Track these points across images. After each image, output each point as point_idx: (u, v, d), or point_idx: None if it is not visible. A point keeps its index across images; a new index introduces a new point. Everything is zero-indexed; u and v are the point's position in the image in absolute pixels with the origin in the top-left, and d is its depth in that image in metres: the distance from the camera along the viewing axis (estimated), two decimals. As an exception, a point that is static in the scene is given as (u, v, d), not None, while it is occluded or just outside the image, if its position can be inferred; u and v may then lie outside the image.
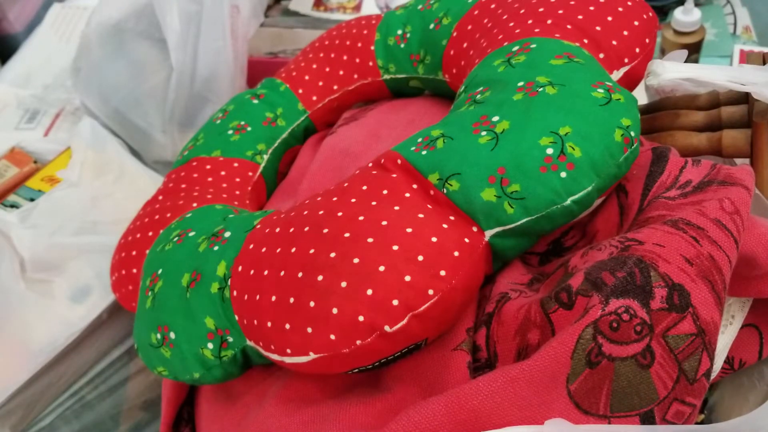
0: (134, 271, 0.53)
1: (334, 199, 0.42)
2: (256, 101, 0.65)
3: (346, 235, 0.39)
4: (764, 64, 0.51)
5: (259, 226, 0.45)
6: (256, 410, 0.44)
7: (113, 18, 0.76)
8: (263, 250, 0.42)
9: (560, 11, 0.49)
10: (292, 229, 0.42)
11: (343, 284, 0.37)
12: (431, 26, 0.59)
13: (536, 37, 0.47)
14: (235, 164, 0.60)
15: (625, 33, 0.48)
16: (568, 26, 0.48)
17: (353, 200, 0.42)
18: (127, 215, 0.64)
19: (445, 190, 0.41)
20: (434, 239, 0.39)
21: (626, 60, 0.48)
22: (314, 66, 0.66)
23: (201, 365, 0.44)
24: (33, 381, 0.61)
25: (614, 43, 0.48)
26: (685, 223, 0.37)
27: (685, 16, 0.78)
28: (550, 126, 0.40)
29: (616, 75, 0.48)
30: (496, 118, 0.42)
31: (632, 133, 0.41)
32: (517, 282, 0.43)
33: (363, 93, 0.66)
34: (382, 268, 0.37)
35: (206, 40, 0.75)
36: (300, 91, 0.66)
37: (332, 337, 0.37)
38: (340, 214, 0.41)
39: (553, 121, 0.40)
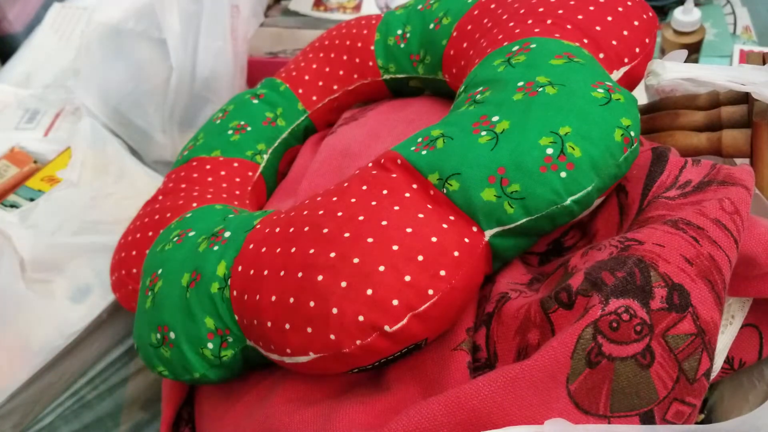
0: (134, 271, 0.53)
1: (334, 199, 0.42)
2: (256, 101, 0.65)
3: (346, 235, 0.39)
4: (764, 64, 0.51)
5: (259, 226, 0.45)
6: (256, 410, 0.44)
7: (113, 18, 0.76)
8: (263, 250, 0.42)
9: (560, 11, 0.49)
10: (291, 229, 0.42)
11: (343, 284, 0.37)
12: (431, 26, 0.59)
13: (536, 37, 0.47)
14: (235, 164, 0.60)
15: (625, 33, 0.48)
16: (568, 26, 0.48)
17: (353, 200, 0.42)
18: (127, 215, 0.64)
19: (444, 190, 0.41)
20: (434, 239, 0.39)
21: (626, 60, 0.48)
22: (314, 66, 0.66)
23: (201, 365, 0.44)
24: (33, 381, 0.61)
25: (614, 43, 0.48)
26: (685, 223, 0.37)
27: (685, 16, 0.78)
28: (550, 126, 0.40)
29: (616, 75, 0.48)
30: (496, 118, 0.42)
31: (632, 133, 0.41)
32: (517, 282, 0.43)
33: (363, 93, 0.66)
34: (382, 268, 0.37)
35: (206, 40, 0.75)
36: (300, 91, 0.66)
37: (332, 337, 0.37)
38: (340, 214, 0.41)
39: (553, 121, 0.40)
